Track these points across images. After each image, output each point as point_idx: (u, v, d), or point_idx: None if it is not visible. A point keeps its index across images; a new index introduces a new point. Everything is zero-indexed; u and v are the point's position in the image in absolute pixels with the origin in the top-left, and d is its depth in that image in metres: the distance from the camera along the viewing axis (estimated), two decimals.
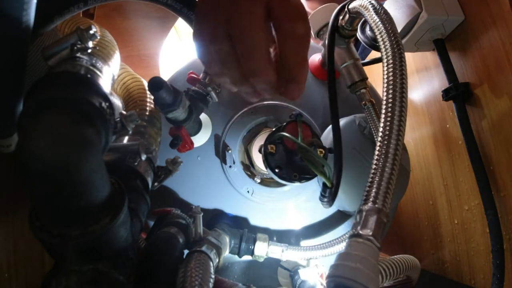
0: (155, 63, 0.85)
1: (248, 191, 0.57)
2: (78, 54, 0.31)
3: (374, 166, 0.27)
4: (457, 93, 0.56)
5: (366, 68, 0.54)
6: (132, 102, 0.52)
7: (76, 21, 0.45)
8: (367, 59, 0.68)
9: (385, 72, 0.31)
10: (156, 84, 0.36)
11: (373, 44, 0.58)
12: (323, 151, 0.46)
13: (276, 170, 0.46)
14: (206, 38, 0.31)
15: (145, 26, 0.74)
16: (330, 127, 0.56)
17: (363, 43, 0.59)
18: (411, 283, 0.47)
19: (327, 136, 0.55)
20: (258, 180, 0.57)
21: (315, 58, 0.62)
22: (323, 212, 0.59)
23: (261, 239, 0.52)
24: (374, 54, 0.78)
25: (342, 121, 0.55)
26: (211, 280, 0.35)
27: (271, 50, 0.31)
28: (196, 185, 0.57)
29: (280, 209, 0.59)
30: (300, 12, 0.30)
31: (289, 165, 0.47)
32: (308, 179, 0.47)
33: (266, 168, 0.48)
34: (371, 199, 0.25)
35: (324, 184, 0.45)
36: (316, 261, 0.54)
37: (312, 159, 0.44)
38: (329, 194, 0.45)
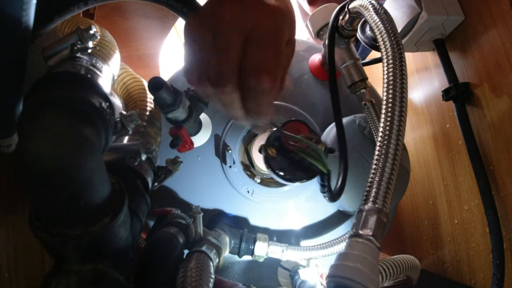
0: (155, 63, 0.85)
1: (248, 191, 0.57)
2: (78, 54, 0.31)
3: (374, 166, 0.27)
4: (457, 93, 0.56)
5: (366, 68, 0.54)
6: (132, 102, 0.52)
7: (76, 21, 0.45)
8: (367, 59, 0.68)
9: (385, 72, 0.31)
10: (156, 84, 0.36)
11: (373, 44, 0.58)
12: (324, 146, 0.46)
13: (281, 173, 0.46)
14: (190, 78, 0.34)
15: (145, 26, 0.73)
16: (330, 126, 0.56)
17: (363, 43, 0.59)
18: (411, 283, 0.47)
19: (327, 135, 0.55)
20: (258, 180, 0.57)
21: (315, 58, 0.62)
22: (323, 212, 0.59)
23: (261, 239, 0.52)
24: (374, 54, 0.78)
25: (342, 121, 0.55)
26: (211, 280, 0.35)
27: None
28: (196, 185, 0.57)
29: (280, 209, 0.59)
30: (269, 64, 0.31)
31: (292, 165, 0.46)
32: (313, 176, 0.46)
33: (274, 175, 0.47)
34: (371, 199, 0.25)
35: (321, 172, 0.44)
36: (316, 261, 0.54)
37: (306, 149, 0.43)
38: (327, 182, 0.45)
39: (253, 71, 0.31)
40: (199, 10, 0.33)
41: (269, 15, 0.31)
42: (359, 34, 0.58)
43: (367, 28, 0.58)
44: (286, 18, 0.32)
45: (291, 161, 0.46)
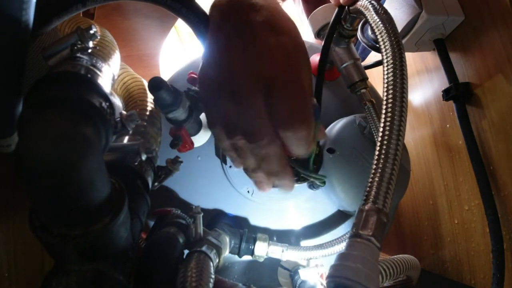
0: (155, 63, 0.85)
1: (248, 191, 0.57)
2: (78, 54, 0.31)
3: (374, 166, 0.27)
4: (457, 93, 0.56)
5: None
6: (132, 102, 0.52)
7: (76, 21, 0.45)
8: (370, 62, 0.68)
9: (386, 72, 0.31)
10: (156, 84, 0.36)
11: (374, 46, 0.58)
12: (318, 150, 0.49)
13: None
14: (218, 134, 0.34)
15: (145, 26, 0.74)
16: (330, 126, 0.56)
17: (363, 44, 0.59)
18: (411, 283, 0.47)
19: (327, 135, 0.55)
20: None
21: (315, 58, 0.62)
22: (323, 212, 0.59)
23: (261, 239, 0.52)
24: (374, 54, 0.78)
25: (342, 121, 0.55)
26: (211, 280, 0.35)
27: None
28: (196, 185, 0.57)
29: (280, 209, 0.58)
30: (299, 113, 0.30)
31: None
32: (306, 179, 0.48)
33: None
34: (371, 199, 0.25)
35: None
36: (316, 261, 0.54)
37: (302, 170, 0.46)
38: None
39: (287, 124, 0.30)
40: (207, 57, 0.32)
41: (284, 65, 0.30)
42: (359, 35, 0.58)
43: (368, 30, 0.58)
44: (300, 58, 0.32)
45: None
